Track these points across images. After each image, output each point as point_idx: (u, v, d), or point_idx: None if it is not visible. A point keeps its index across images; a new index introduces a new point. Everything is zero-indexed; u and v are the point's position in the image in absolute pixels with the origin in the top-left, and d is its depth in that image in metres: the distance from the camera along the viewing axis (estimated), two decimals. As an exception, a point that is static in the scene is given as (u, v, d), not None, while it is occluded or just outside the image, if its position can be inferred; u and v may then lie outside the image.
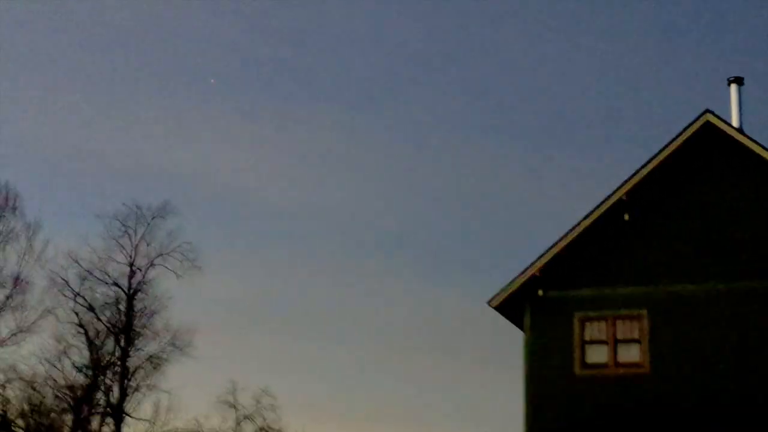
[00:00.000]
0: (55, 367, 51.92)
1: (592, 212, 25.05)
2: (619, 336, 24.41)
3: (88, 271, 53.31)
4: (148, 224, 54.82)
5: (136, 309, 53.97)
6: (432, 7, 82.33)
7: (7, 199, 52.00)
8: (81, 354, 52.79)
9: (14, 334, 50.56)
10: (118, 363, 53.17)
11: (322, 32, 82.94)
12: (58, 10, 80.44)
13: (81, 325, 52.83)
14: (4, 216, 51.94)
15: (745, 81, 26.58)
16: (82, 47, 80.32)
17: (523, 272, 25.08)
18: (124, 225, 54.53)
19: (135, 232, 54.71)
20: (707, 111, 24.91)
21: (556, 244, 25.04)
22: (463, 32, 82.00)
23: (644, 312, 24.35)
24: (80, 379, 52.70)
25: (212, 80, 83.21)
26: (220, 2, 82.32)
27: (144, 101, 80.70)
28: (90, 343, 52.80)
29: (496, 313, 25.65)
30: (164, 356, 53.68)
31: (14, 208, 52.12)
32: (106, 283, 53.80)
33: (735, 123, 25.86)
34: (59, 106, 79.45)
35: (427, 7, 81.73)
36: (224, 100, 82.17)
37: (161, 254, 54.60)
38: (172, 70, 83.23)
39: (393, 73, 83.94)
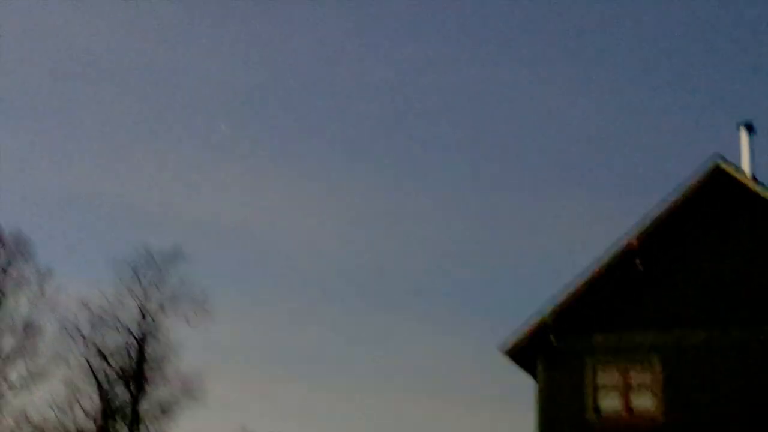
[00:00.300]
0: (65, 413, 51.85)
1: (603, 259, 25.02)
2: (632, 383, 24.30)
3: (99, 317, 53.37)
4: (160, 270, 54.85)
5: (146, 355, 53.86)
6: (431, 55, 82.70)
7: (18, 246, 52.24)
8: (92, 400, 52.67)
9: (25, 381, 50.67)
10: (129, 409, 53.00)
11: (333, 83, 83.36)
12: (69, 52, 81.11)
13: (92, 372, 52.74)
14: (16, 263, 52.16)
15: (757, 126, 26.58)
16: (94, 92, 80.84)
17: (535, 319, 25.04)
18: (135, 271, 54.59)
19: (146, 278, 54.76)
20: (718, 157, 24.91)
21: (567, 290, 24.99)
22: (464, 78, 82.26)
23: (657, 359, 24.22)
24: (91, 425, 52.52)
25: (223, 126, 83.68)
26: (233, 50, 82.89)
27: (155, 146, 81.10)
28: (101, 390, 52.65)
29: (509, 360, 25.55)
30: (175, 403, 53.52)
31: (26, 255, 52.38)
32: (117, 330, 53.78)
33: (746, 169, 25.82)
34: (70, 151, 79.83)
35: (428, 54, 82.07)
36: (235, 145, 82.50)
37: (172, 300, 54.59)
38: (183, 116, 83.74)
39: (403, 123, 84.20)
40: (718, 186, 24.92)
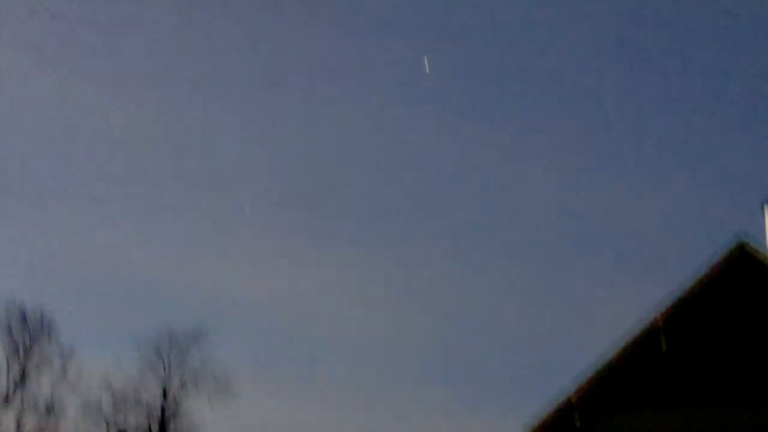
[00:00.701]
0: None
1: (627, 338, 24.84)
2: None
3: (121, 396, 53.23)
4: (182, 349, 54.78)
5: (168, 436, 53.60)
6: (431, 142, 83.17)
7: (41, 325, 52.35)
8: (114, 481, 52.37)
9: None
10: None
11: (363, 162, 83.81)
12: (93, 127, 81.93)
13: (114, 452, 52.52)
14: (39, 342, 52.20)
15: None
16: (116, 167, 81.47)
17: (559, 398, 24.82)
18: (157, 350, 54.56)
19: (168, 357, 54.68)
20: (742, 235, 24.85)
21: (592, 369, 24.79)
22: (477, 163, 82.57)
23: (682, 441, 23.92)
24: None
25: (246, 208, 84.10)
26: (260, 132, 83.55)
27: (179, 223, 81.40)
28: (122, 470, 52.41)
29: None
30: (197, 484, 53.13)
31: (49, 334, 52.47)
32: (139, 410, 53.59)
33: (770, 247, 25.71)
34: (92, 227, 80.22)
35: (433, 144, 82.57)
36: (259, 225, 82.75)
37: (194, 380, 54.41)
38: (207, 193, 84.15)
39: (420, 207, 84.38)
40: (742, 264, 24.77)
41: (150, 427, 53.47)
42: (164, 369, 54.37)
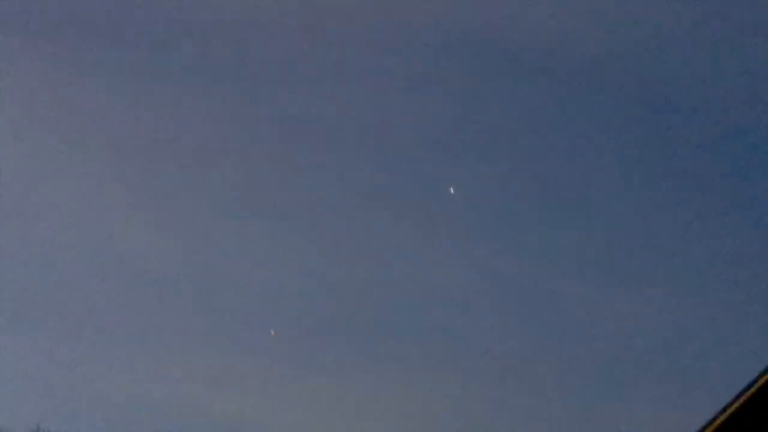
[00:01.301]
0: None
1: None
2: None
3: None
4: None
5: None
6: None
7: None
8: None
9: None
10: None
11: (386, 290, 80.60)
12: (111, 255, 79.55)
13: None
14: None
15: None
16: (133, 296, 78.88)
17: None
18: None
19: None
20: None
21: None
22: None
23: None
24: None
25: (272, 331, 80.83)
26: (285, 258, 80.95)
27: (201, 351, 78.21)
28: None
29: None
30: None
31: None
32: None
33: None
34: (112, 359, 77.32)
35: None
36: (284, 350, 79.43)
37: None
38: (231, 319, 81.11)
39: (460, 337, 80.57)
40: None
41: None
42: None
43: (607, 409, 72.34)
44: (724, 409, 21.21)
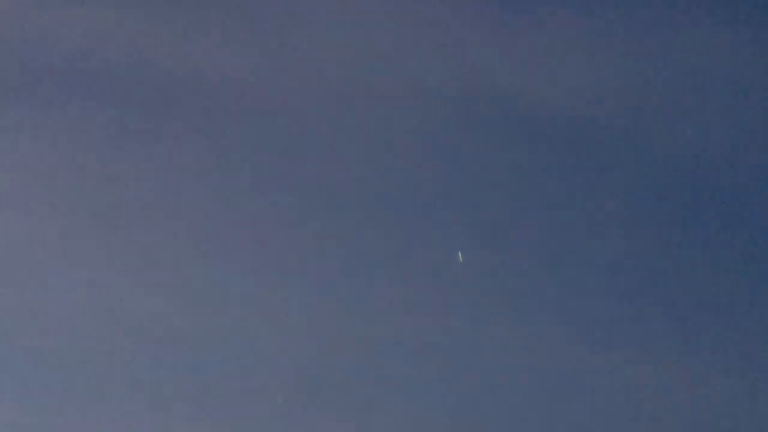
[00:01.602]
0: None
1: None
2: None
3: None
4: None
5: None
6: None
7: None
8: None
9: None
10: None
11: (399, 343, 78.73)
12: (123, 315, 78.01)
13: None
14: None
15: None
16: (149, 359, 77.22)
17: None
18: None
19: None
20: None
21: None
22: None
23: None
24: None
25: (280, 398, 78.98)
26: (296, 325, 79.29)
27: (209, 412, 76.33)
28: None
29: None
30: None
31: None
32: None
33: None
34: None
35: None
36: (294, 413, 77.48)
37: None
38: (240, 387, 79.30)
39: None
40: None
41: None
42: None
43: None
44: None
